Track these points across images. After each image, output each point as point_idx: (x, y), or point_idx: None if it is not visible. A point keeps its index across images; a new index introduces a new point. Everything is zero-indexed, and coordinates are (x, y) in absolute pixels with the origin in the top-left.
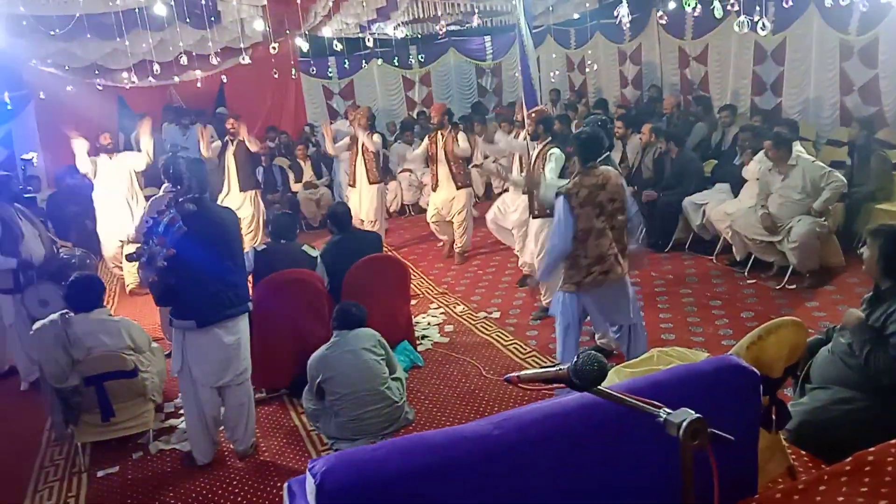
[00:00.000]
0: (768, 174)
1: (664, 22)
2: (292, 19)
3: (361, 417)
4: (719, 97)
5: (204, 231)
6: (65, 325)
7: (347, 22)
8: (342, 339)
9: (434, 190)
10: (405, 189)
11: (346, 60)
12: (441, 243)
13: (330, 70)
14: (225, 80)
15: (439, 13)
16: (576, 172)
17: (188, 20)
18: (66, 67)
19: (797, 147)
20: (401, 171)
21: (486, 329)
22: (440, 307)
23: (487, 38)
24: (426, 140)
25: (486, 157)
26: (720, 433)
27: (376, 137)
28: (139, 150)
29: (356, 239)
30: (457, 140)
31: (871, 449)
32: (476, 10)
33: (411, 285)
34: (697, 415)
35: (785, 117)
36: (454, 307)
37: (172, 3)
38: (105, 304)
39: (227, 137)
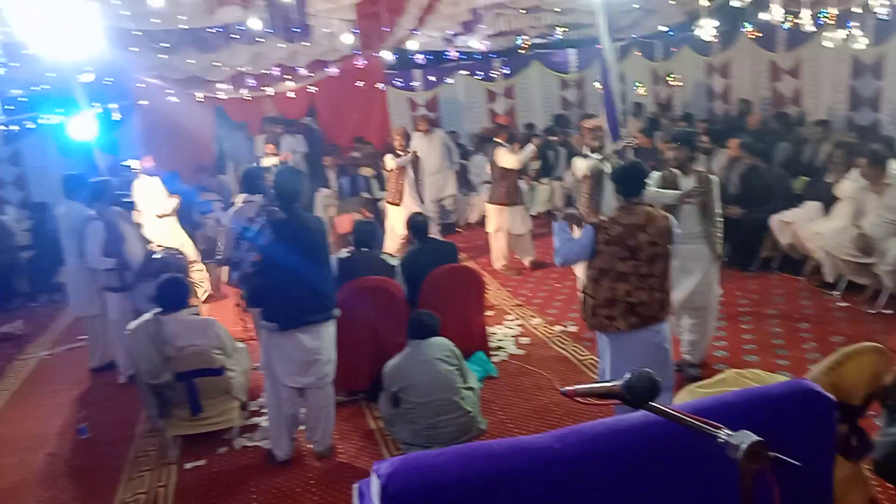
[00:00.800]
0: (863, 193)
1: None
2: (379, 33)
3: (435, 426)
4: (813, 112)
5: (291, 239)
6: (158, 324)
7: (433, 35)
8: (416, 348)
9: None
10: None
11: (431, 73)
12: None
13: (415, 83)
14: (315, 91)
15: (523, 27)
16: (618, 206)
17: (281, 34)
18: (168, 79)
19: (894, 165)
20: (483, 183)
21: (562, 343)
22: (516, 319)
23: (572, 50)
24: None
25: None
26: (784, 458)
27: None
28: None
29: (434, 249)
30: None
31: None
32: (560, 24)
33: (487, 296)
34: (758, 437)
35: (883, 134)
36: (530, 319)
37: (267, 17)
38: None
39: None
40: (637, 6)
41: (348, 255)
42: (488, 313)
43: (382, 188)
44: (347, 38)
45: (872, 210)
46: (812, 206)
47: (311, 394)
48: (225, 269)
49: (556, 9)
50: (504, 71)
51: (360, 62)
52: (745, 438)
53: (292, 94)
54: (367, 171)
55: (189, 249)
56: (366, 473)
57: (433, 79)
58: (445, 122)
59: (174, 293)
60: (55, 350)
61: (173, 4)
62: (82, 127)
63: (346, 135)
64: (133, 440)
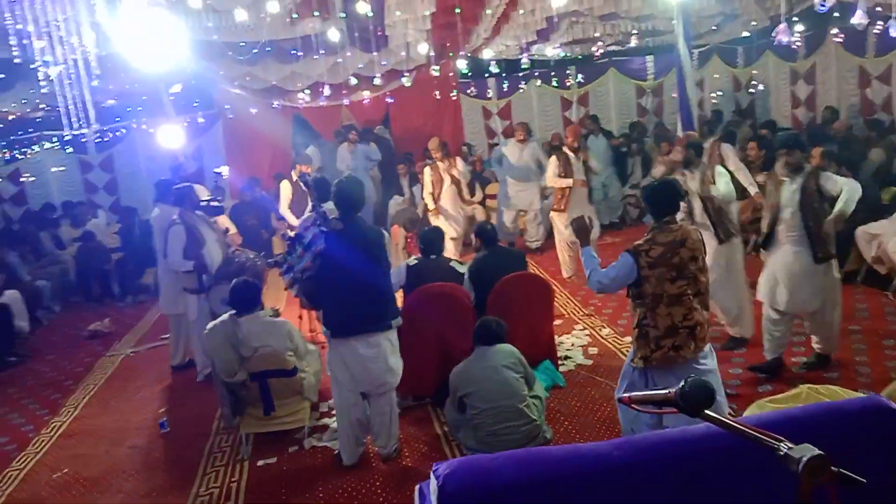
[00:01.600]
0: None
1: (841, 39)
2: (454, 42)
3: (499, 432)
4: None
5: (345, 249)
6: (234, 325)
7: (507, 44)
8: (482, 354)
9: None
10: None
11: (504, 81)
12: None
13: (489, 91)
14: (390, 101)
15: (599, 34)
16: (650, 229)
17: (358, 44)
18: (250, 89)
19: None
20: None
21: None
22: (585, 329)
23: (649, 57)
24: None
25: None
26: (848, 474)
27: (461, 162)
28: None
29: (502, 256)
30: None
31: None
32: (636, 31)
33: (556, 305)
34: (819, 451)
35: None
36: (600, 329)
37: (344, 28)
38: (264, 306)
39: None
40: (718, 11)
41: (416, 262)
42: (557, 322)
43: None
44: (423, 48)
45: None
46: None
47: (372, 399)
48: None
49: (632, 15)
50: (578, 79)
51: (434, 71)
52: (806, 452)
53: (367, 104)
54: None
55: None
56: (429, 477)
57: (507, 87)
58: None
59: (245, 296)
60: (139, 348)
61: (256, 18)
62: (170, 135)
63: (420, 143)
64: (209, 436)
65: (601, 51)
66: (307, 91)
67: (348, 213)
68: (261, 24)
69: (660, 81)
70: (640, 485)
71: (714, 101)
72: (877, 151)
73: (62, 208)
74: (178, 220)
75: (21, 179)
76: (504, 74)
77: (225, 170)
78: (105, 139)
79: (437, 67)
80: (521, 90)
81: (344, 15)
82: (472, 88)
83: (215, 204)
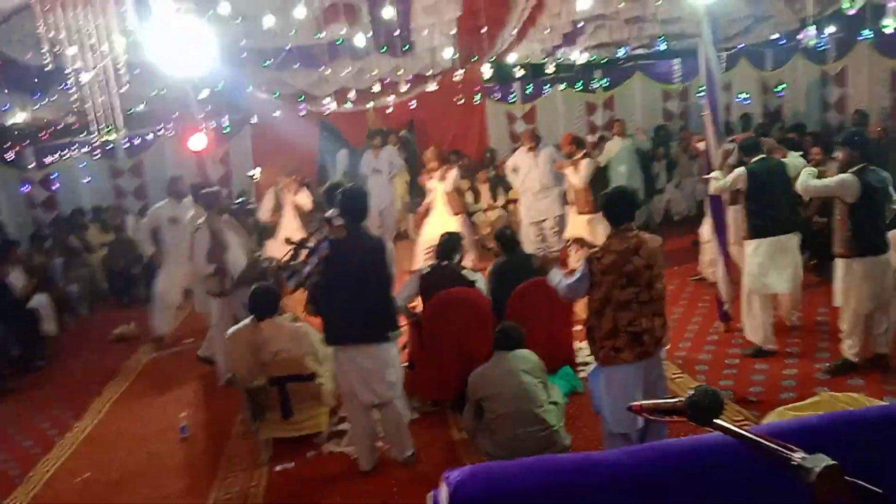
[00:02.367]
0: None
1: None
2: (480, 46)
3: (517, 438)
4: None
5: (346, 258)
6: (255, 329)
7: (533, 48)
8: (501, 359)
9: None
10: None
11: (529, 85)
12: None
13: (513, 95)
14: (413, 106)
15: (625, 38)
16: (609, 235)
17: (384, 50)
18: (277, 94)
19: None
20: None
21: None
22: None
23: (676, 60)
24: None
25: None
26: (864, 485)
27: (453, 172)
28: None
29: (521, 261)
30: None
31: None
32: (663, 34)
33: (576, 310)
34: (832, 461)
35: None
36: None
37: (371, 34)
38: (282, 311)
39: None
40: (747, 14)
41: (429, 269)
42: (576, 328)
43: (476, 201)
44: (448, 52)
45: None
46: None
47: (381, 410)
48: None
49: (659, 18)
50: (604, 83)
51: (460, 75)
52: (819, 462)
53: (391, 110)
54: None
55: None
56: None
57: (531, 91)
58: (544, 134)
59: (264, 300)
60: (163, 352)
61: (283, 23)
62: (197, 139)
63: (443, 148)
64: (228, 440)
65: (627, 54)
66: (333, 97)
67: (351, 222)
68: (288, 29)
69: (686, 85)
70: (653, 493)
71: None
72: None
73: (91, 213)
74: (203, 225)
75: (52, 186)
76: (529, 79)
77: (257, 171)
78: (135, 143)
79: (461, 73)
80: (546, 94)
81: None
82: (497, 93)
83: (250, 206)
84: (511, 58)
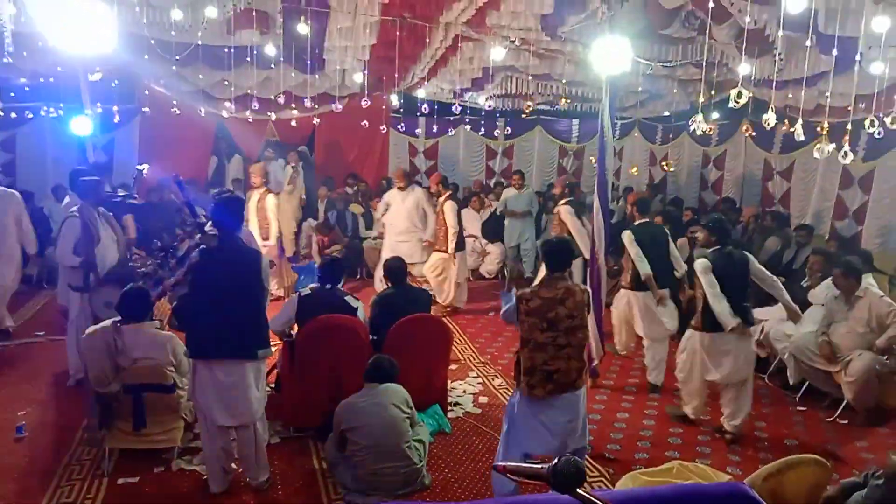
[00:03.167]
0: (834, 302)
1: (752, 133)
2: (390, 77)
3: (379, 473)
4: (799, 216)
5: (216, 267)
6: (116, 332)
7: (442, 87)
8: (371, 391)
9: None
10: (468, 253)
11: (435, 123)
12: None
13: (418, 129)
14: (317, 123)
15: (531, 92)
16: (541, 280)
17: (293, 63)
18: (175, 90)
19: (868, 279)
20: (466, 236)
21: None
22: (479, 376)
23: (576, 121)
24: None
25: None
26: None
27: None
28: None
29: (407, 294)
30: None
31: None
32: (565, 94)
33: (454, 350)
34: None
35: (863, 248)
36: (493, 379)
37: (281, 45)
38: (154, 318)
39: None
40: (643, 89)
41: (310, 292)
42: (452, 367)
43: (369, 227)
44: (358, 77)
45: (841, 321)
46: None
47: (237, 431)
48: None
49: (564, 80)
50: (507, 131)
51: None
52: None
53: (294, 123)
54: (356, 209)
55: None
56: None
57: (436, 128)
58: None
59: (136, 304)
60: (9, 343)
61: (193, 20)
62: (82, 123)
63: (342, 170)
64: (70, 446)
65: (528, 108)
66: (234, 102)
67: (225, 231)
68: (197, 27)
69: (582, 145)
70: None
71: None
72: (773, 240)
73: None
74: (76, 213)
75: None
76: (435, 116)
77: (146, 167)
78: (11, 116)
79: (368, 100)
80: (451, 133)
81: (280, 31)
82: (402, 124)
83: (133, 201)
84: (420, 92)
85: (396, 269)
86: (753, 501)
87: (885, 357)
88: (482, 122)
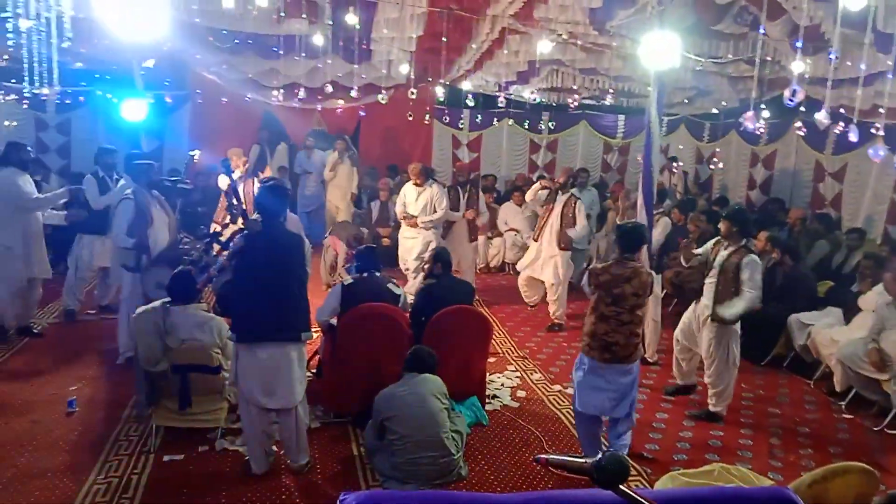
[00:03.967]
0: (885, 308)
1: (804, 132)
2: (436, 68)
3: (416, 462)
4: (850, 219)
5: (261, 252)
6: (164, 313)
7: (487, 79)
8: (410, 380)
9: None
10: (508, 247)
11: (479, 115)
12: (532, 307)
13: (462, 121)
14: (363, 114)
15: (577, 86)
16: (614, 258)
17: (340, 53)
18: (225, 78)
19: None
20: (507, 230)
21: (559, 403)
22: (517, 371)
23: (621, 116)
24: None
25: None
26: None
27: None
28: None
29: (451, 286)
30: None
31: None
32: (612, 89)
33: (493, 343)
34: None
35: None
36: (531, 374)
37: (329, 35)
38: (200, 300)
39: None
40: (692, 85)
41: (352, 281)
42: (490, 360)
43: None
44: (404, 68)
45: (893, 327)
46: (833, 312)
47: (280, 414)
48: None
49: (611, 74)
50: (551, 125)
51: (414, 93)
52: None
53: (340, 112)
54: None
55: None
56: (338, 498)
57: (480, 121)
58: (485, 163)
59: (184, 286)
60: (59, 320)
61: (242, 9)
62: (134, 108)
63: (385, 160)
64: (118, 423)
65: (576, 102)
66: (282, 90)
67: (269, 217)
68: (247, 15)
69: (628, 141)
70: None
71: (675, 169)
72: (821, 244)
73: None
74: (131, 196)
75: None
76: (479, 108)
77: (198, 153)
78: (66, 101)
79: (414, 91)
80: (494, 126)
81: (331, 22)
82: (446, 116)
83: (184, 186)
84: (465, 85)
85: (444, 260)
86: None
87: None
88: (527, 116)
